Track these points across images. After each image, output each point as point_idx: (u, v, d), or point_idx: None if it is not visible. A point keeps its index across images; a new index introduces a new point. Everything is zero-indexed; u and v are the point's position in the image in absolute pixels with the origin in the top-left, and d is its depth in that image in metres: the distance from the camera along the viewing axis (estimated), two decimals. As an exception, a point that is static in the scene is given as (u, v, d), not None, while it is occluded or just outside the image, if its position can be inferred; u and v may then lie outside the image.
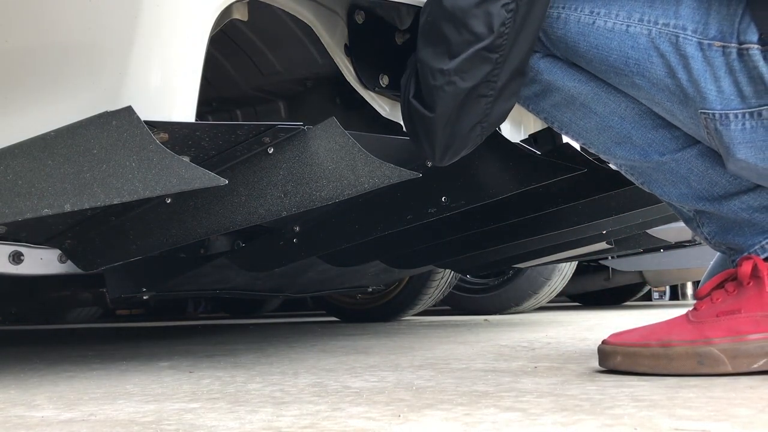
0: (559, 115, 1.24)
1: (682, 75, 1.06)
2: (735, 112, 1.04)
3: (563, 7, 1.15)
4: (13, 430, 0.87)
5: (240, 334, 2.72)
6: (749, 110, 1.03)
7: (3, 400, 1.13)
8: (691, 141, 1.16)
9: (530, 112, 1.30)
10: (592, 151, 1.27)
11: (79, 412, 0.98)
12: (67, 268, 1.55)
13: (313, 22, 1.43)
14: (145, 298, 2.00)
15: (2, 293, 3.06)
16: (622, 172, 1.27)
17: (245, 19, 1.25)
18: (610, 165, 1.60)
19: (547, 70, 1.20)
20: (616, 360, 1.14)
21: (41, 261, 1.53)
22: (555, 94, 1.22)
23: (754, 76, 1.01)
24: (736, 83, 1.03)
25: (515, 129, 1.92)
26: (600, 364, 1.18)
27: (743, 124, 1.04)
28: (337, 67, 1.50)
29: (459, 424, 0.80)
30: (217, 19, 1.14)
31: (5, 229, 1.42)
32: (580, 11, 1.13)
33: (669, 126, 1.17)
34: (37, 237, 1.50)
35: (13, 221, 1.11)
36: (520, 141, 1.56)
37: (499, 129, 1.67)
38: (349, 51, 1.47)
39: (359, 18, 1.40)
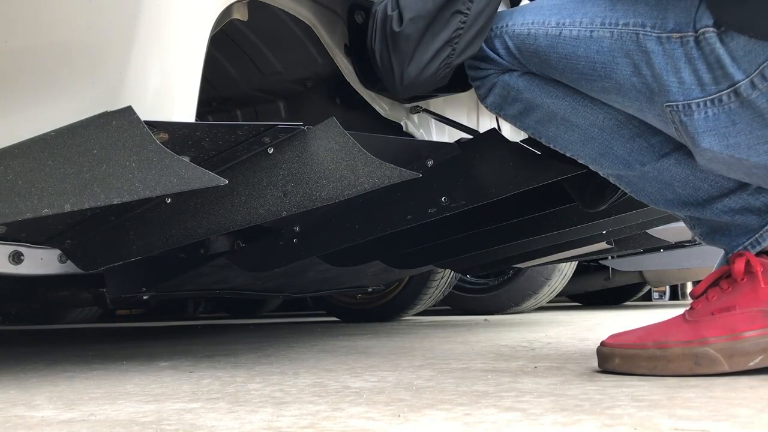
0: (544, 130, 1.28)
1: (646, 71, 1.08)
2: (697, 101, 1.05)
3: (532, 23, 1.18)
4: (13, 430, 0.87)
5: (240, 334, 2.72)
6: (709, 98, 1.04)
7: (3, 400, 1.13)
8: (668, 149, 1.20)
9: (518, 129, 1.34)
10: (581, 162, 1.31)
11: (79, 412, 0.98)
12: (67, 268, 1.55)
13: (313, 22, 1.43)
14: (145, 298, 2.00)
15: (2, 293, 3.06)
16: (612, 182, 1.31)
17: (245, 19, 1.25)
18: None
19: (526, 88, 1.24)
20: (614, 362, 1.14)
21: (41, 261, 1.53)
22: (537, 111, 1.26)
23: (712, 62, 1.03)
24: (695, 72, 1.04)
25: (515, 129, 1.92)
26: (599, 366, 1.18)
27: (705, 112, 1.05)
28: (337, 67, 1.50)
29: (459, 424, 0.80)
30: (217, 19, 1.15)
31: (5, 229, 1.42)
32: (547, 24, 1.16)
33: (645, 135, 1.20)
34: (37, 237, 1.50)
35: (13, 221, 1.11)
36: (520, 141, 1.56)
37: (500, 129, 1.68)
38: (349, 51, 1.47)
39: (359, 18, 1.40)
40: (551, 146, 1.30)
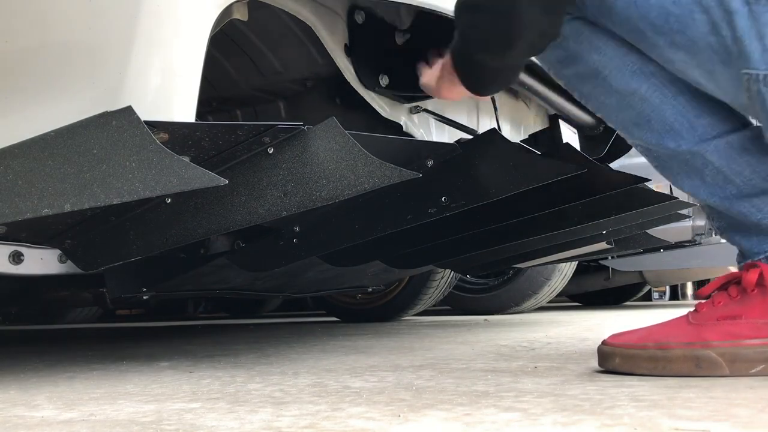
0: (580, 85, 1.21)
1: (726, 32, 1.00)
2: None
3: None
4: (13, 430, 0.87)
5: (240, 334, 2.72)
6: None
7: (3, 400, 1.13)
8: (710, 135, 1.14)
9: (553, 77, 1.26)
10: (609, 125, 1.24)
11: (79, 412, 0.98)
12: (67, 268, 1.55)
13: (313, 22, 1.43)
14: (145, 298, 2.00)
15: (2, 293, 3.06)
16: (638, 151, 1.24)
17: (245, 19, 1.26)
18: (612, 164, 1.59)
19: (572, 36, 1.16)
20: (615, 362, 1.14)
21: (41, 261, 1.53)
22: (579, 64, 1.18)
23: None
24: None
25: (515, 129, 1.93)
26: (599, 365, 1.18)
27: None
28: (337, 67, 1.50)
29: (459, 424, 0.80)
30: (217, 19, 1.15)
31: (5, 229, 1.42)
32: None
33: (689, 116, 1.14)
34: (37, 237, 1.50)
35: (13, 221, 1.11)
36: (520, 141, 1.56)
37: (500, 129, 1.68)
38: (349, 51, 1.47)
39: (359, 18, 1.40)
40: (582, 102, 1.23)
